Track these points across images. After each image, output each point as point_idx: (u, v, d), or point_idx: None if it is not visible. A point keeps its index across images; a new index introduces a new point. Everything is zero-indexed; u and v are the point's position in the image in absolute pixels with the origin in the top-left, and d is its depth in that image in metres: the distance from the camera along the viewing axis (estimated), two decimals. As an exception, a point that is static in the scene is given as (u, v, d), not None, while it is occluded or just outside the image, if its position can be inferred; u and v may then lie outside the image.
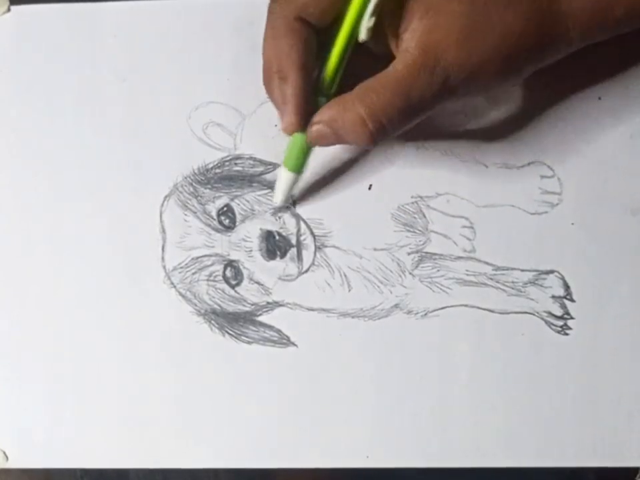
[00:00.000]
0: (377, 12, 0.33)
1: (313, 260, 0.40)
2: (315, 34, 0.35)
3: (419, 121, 0.35)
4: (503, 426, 0.39)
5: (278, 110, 0.36)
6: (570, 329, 0.39)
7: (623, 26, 0.35)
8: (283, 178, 0.38)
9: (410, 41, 0.33)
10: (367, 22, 0.33)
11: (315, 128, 0.35)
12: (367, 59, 0.35)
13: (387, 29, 0.34)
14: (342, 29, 0.34)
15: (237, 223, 0.40)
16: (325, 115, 0.35)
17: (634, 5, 0.33)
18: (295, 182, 0.38)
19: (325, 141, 0.36)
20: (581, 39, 0.35)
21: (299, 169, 0.37)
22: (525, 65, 0.34)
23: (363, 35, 0.34)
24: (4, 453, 0.40)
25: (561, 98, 0.40)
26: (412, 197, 0.40)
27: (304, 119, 0.35)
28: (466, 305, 0.40)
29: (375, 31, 0.34)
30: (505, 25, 0.33)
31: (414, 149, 0.40)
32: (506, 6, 0.33)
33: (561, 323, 0.39)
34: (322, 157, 0.40)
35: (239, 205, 0.40)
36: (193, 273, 0.40)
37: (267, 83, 0.36)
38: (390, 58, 0.34)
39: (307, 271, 0.40)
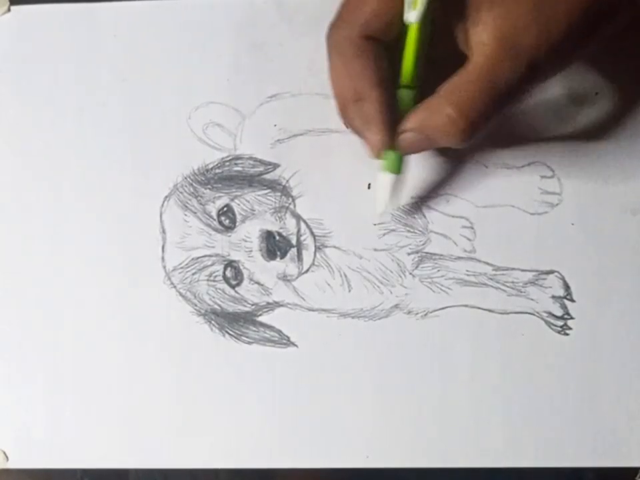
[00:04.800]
0: None
1: (313, 260, 0.40)
2: (385, 49, 0.34)
3: (507, 110, 0.34)
4: (503, 426, 0.39)
5: (359, 135, 0.35)
6: (570, 328, 0.39)
7: None
8: (386, 183, 0.36)
9: (482, 34, 0.32)
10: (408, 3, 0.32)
11: (405, 136, 0.34)
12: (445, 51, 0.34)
13: (454, 27, 0.33)
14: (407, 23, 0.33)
15: (237, 223, 0.40)
16: (412, 122, 0.34)
17: None
18: (397, 184, 0.36)
19: (416, 148, 0.35)
20: None
21: (398, 171, 0.36)
22: (601, 22, 0.33)
23: (410, 18, 0.32)
24: (4, 453, 0.40)
25: (560, 97, 0.40)
26: (412, 197, 0.40)
27: (390, 137, 0.34)
28: (466, 305, 0.40)
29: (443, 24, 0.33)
30: None
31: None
32: None
33: (561, 322, 0.39)
34: (322, 157, 0.40)
35: (239, 205, 0.40)
36: (193, 273, 0.40)
37: (344, 110, 0.35)
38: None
39: (307, 271, 0.40)
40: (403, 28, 0.33)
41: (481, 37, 0.32)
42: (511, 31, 0.32)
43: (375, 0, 0.33)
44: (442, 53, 0.34)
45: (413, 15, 0.32)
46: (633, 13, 0.34)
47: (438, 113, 0.33)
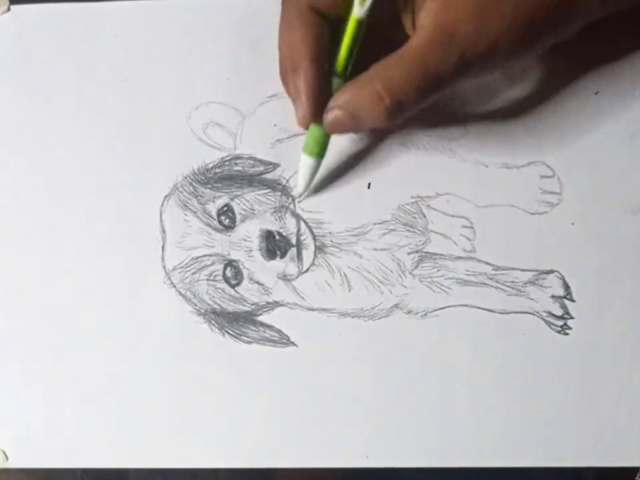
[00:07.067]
0: None
1: (313, 260, 0.40)
2: (328, 25, 0.34)
3: (436, 98, 0.34)
4: (503, 426, 0.39)
5: (293, 103, 0.36)
6: (570, 328, 0.39)
7: None
8: (304, 164, 0.38)
9: (425, 19, 0.33)
10: None
11: (331, 114, 0.35)
12: (386, 46, 0.34)
13: (401, 11, 0.34)
14: (351, 11, 0.33)
15: (237, 223, 0.40)
16: (339, 99, 0.35)
17: None
18: (316, 168, 0.38)
19: (341, 127, 0.36)
20: (600, 7, 0.33)
21: (319, 153, 0.37)
22: (541, 36, 0.33)
23: (357, 12, 0.33)
24: (4, 452, 0.40)
25: (561, 98, 0.40)
26: (412, 197, 0.40)
27: (318, 111, 0.35)
28: (466, 305, 0.40)
29: (388, 14, 0.33)
30: None
31: (414, 148, 0.40)
32: None
33: (560, 322, 0.39)
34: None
35: (239, 204, 0.40)
36: (193, 273, 0.40)
37: (282, 76, 0.36)
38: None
39: (307, 270, 0.40)
40: (348, 7, 0.33)
41: (423, 21, 0.33)
42: (451, 19, 0.32)
43: None
44: (386, 41, 0.34)
45: (360, 10, 0.33)
46: (586, 22, 0.34)
47: (366, 88, 0.34)
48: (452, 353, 0.39)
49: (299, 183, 0.39)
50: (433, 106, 0.35)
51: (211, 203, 0.40)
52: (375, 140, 0.40)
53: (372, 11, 0.33)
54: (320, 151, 0.37)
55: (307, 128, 0.36)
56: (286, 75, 0.35)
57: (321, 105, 0.35)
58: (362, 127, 0.36)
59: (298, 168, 0.38)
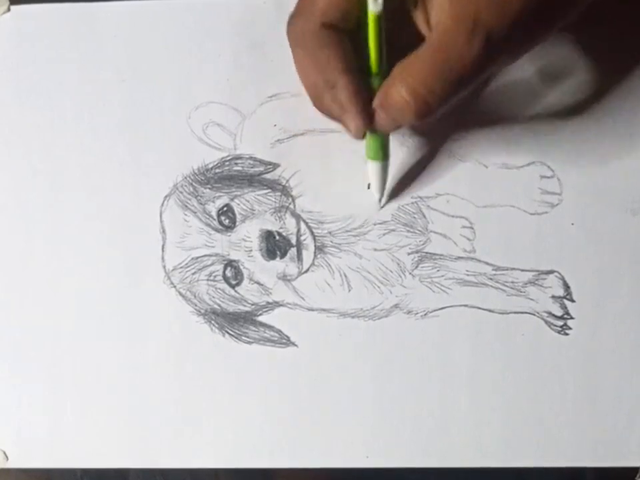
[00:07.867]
0: None
1: (313, 260, 0.40)
2: (346, 36, 0.34)
3: (467, 90, 0.33)
4: (503, 426, 0.39)
5: (339, 121, 0.35)
6: (570, 328, 0.39)
7: None
8: (374, 171, 0.38)
9: (441, 14, 0.32)
10: None
11: (376, 115, 0.34)
12: (400, 44, 0.34)
13: (411, 8, 0.33)
14: (368, 11, 0.33)
15: (237, 223, 0.40)
16: (376, 101, 0.34)
17: None
18: (386, 170, 0.38)
19: (388, 126, 0.35)
20: None
21: (383, 156, 0.37)
22: (559, 8, 0.32)
23: (374, 8, 0.32)
24: (4, 452, 0.40)
25: (560, 98, 0.40)
26: (412, 197, 0.40)
27: (369, 117, 0.34)
28: (466, 305, 0.40)
29: (397, 11, 0.33)
30: None
31: (414, 149, 0.40)
32: None
33: (560, 322, 0.39)
34: (322, 157, 0.40)
35: (239, 204, 0.40)
36: (193, 273, 0.40)
37: (318, 100, 0.35)
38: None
39: (307, 271, 0.40)
40: (362, 14, 0.33)
41: (438, 16, 0.32)
42: (468, 9, 0.31)
43: None
44: (408, 40, 0.33)
45: (375, 6, 0.32)
46: None
47: (392, 92, 0.33)
48: (452, 353, 0.40)
49: (374, 190, 0.39)
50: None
51: (210, 203, 0.40)
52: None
53: (385, 5, 0.32)
54: (384, 155, 0.37)
55: (363, 138, 0.36)
56: (322, 97, 0.34)
57: (370, 111, 0.34)
58: (403, 124, 0.35)
59: (369, 176, 0.38)
